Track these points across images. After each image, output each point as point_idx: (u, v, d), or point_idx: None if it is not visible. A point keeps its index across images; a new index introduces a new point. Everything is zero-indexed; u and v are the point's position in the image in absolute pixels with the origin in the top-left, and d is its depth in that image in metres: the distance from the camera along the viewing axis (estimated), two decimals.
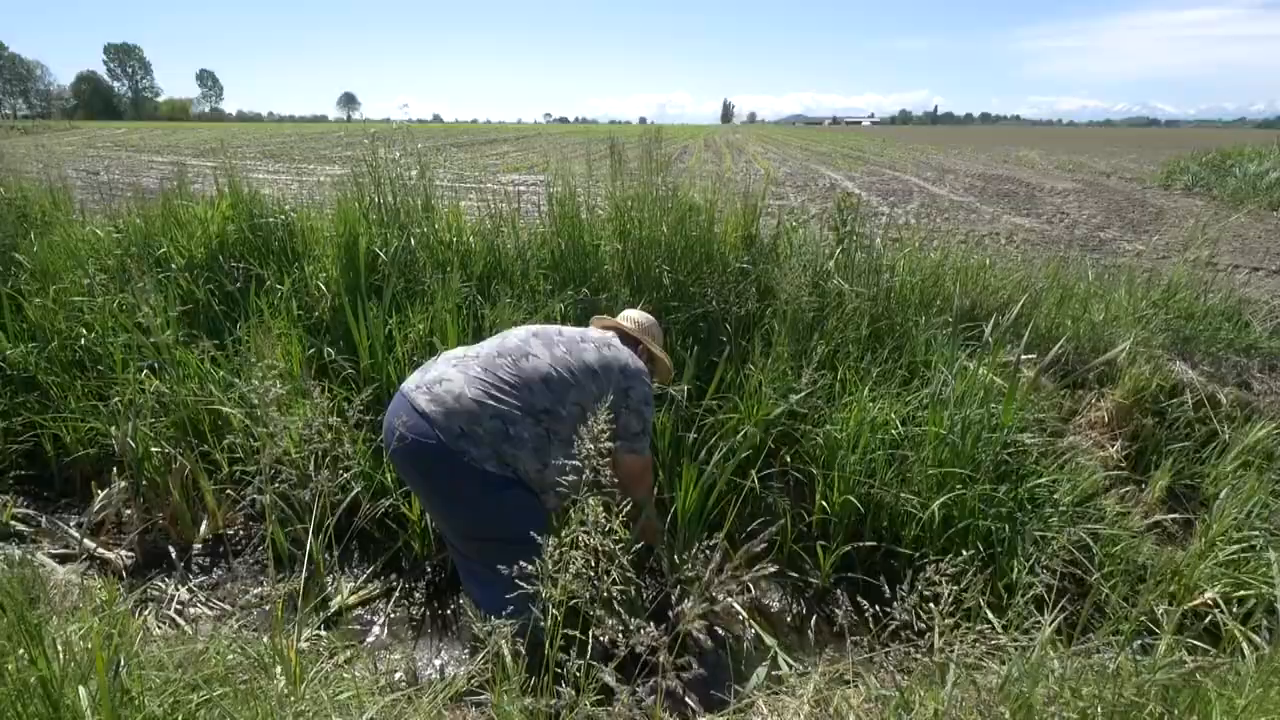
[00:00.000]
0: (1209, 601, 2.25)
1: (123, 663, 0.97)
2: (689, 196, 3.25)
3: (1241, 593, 2.25)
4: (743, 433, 2.45)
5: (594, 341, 2.03)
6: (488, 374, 1.85)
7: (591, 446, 1.11)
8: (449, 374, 1.86)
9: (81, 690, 0.83)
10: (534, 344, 1.97)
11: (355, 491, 2.62)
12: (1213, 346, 3.23)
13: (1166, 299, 3.35)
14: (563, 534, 1.02)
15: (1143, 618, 1.83)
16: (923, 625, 1.19)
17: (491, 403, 1.80)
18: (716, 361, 2.88)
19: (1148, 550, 2.46)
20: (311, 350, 3.02)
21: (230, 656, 1.26)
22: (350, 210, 3.21)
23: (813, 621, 2.39)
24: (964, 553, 2.38)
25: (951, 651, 1.04)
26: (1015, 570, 2.16)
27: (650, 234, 3.12)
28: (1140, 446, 2.95)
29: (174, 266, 3.51)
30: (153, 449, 2.73)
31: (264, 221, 3.53)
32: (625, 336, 2.25)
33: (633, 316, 2.35)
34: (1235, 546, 2.36)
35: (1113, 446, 2.90)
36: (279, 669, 1.19)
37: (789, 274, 2.81)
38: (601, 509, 1.00)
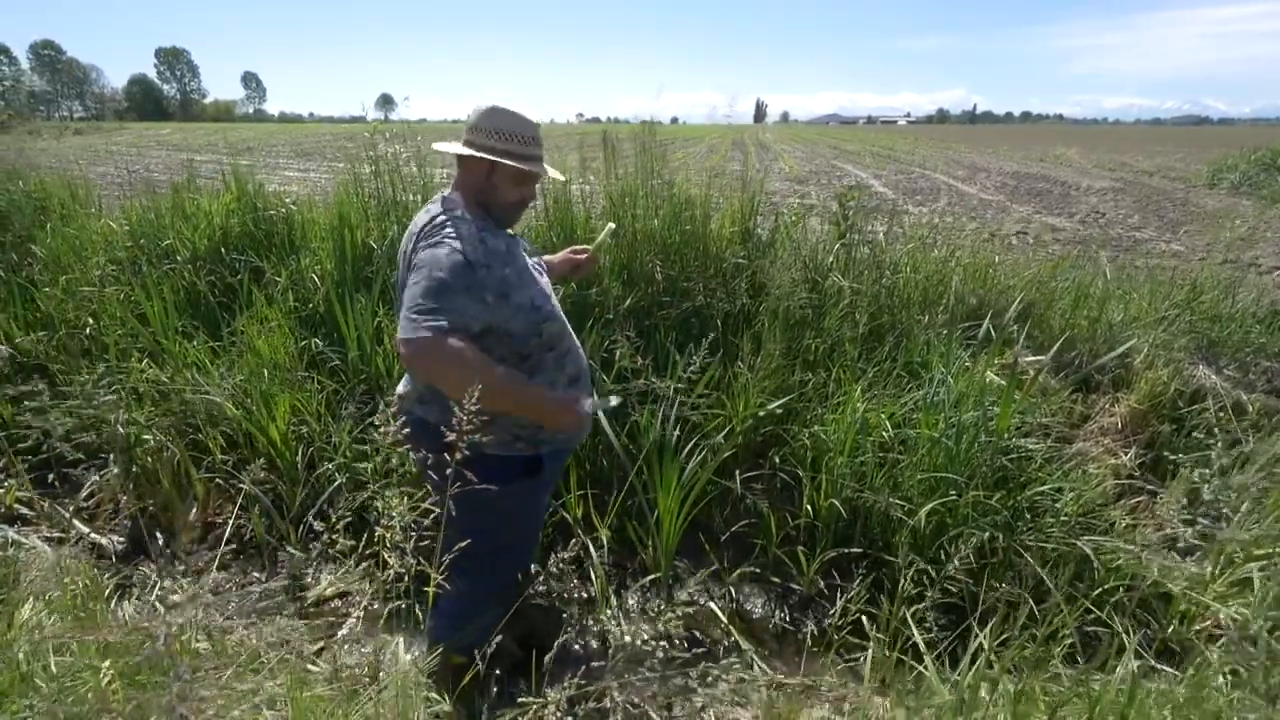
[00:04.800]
0: (1223, 622, 2.10)
1: (24, 647, 0.96)
2: (685, 190, 3.18)
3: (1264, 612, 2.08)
4: (724, 432, 2.38)
5: (404, 245, 1.59)
6: None
7: None
8: (407, 383, 1.72)
9: None
10: None
11: (338, 483, 2.63)
12: (1241, 351, 3.04)
13: (1190, 300, 3.16)
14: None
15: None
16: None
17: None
18: (710, 359, 2.81)
19: (1157, 565, 2.31)
20: (304, 342, 3.03)
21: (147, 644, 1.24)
22: (345, 202, 3.22)
23: (792, 629, 2.31)
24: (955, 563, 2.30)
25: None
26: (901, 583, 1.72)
27: (644, 227, 3.07)
28: (1156, 455, 2.79)
29: (179, 259, 3.57)
30: (144, 436, 2.77)
31: (266, 214, 3.57)
32: (463, 165, 1.58)
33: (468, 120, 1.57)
34: (1254, 564, 2.20)
35: (1126, 454, 2.74)
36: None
37: (780, 269, 2.72)
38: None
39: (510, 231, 1.67)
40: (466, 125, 1.56)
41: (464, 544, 1.69)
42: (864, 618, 1.17)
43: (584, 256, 1.99)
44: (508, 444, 1.61)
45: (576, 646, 2.26)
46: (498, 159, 1.50)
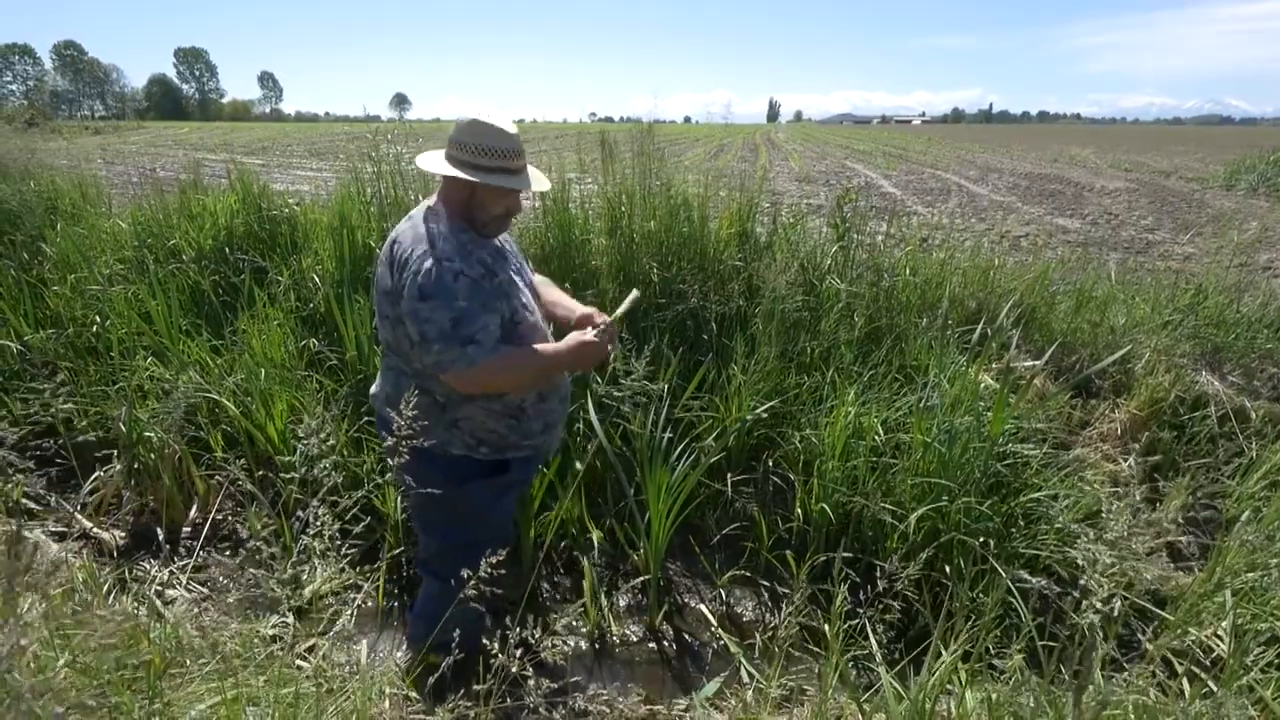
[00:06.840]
0: (1217, 634, 2.07)
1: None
2: (682, 191, 3.18)
3: (1255, 625, 2.05)
4: (713, 436, 2.38)
5: (384, 252, 1.59)
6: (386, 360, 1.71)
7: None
8: (379, 382, 1.77)
9: None
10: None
11: (332, 482, 2.65)
12: (1246, 356, 2.99)
13: (1194, 304, 3.11)
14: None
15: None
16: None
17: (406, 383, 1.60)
18: (702, 360, 2.81)
19: (1153, 574, 2.29)
20: (304, 342, 3.07)
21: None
22: (346, 202, 3.25)
23: (780, 633, 2.30)
24: (948, 568, 2.28)
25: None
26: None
27: (641, 229, 3.07)
28: (1157, 462, 2.75)
29: (185, 258, 3.62)
30: (147, 433, 2.81)
31: (270, 215, 3.61)
32: (447, 179, 1.57)
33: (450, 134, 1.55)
34: (1254, 573, 2.17)
35: (1125, 461, 2.71)
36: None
37: (775, 272, 2.71)
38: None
39: (498, 241, 1.69)
40: (449, 138, 1.54)
41: (437, 544, 1.74)
42: (825, 626, 1.17)
43: (584, 312, 1.80)
44: (472, 447, 1.64)
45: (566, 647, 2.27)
46: (478, 180, 1.50)
